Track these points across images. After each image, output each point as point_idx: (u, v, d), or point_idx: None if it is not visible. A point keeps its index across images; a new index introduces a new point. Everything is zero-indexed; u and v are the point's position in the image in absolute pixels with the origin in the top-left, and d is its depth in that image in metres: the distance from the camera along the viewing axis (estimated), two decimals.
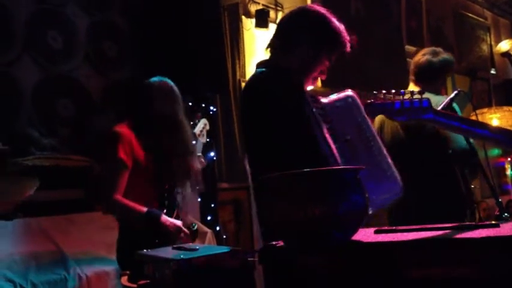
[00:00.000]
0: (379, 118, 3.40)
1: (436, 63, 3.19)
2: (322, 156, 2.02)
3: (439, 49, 3.31)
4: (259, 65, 2.30)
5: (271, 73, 2.19)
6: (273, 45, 2.29)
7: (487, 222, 1.48)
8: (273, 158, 2.01)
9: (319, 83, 5.03)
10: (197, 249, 1.93)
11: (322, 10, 2.26)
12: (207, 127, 3.22)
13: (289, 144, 2.01)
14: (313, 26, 2.23)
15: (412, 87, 3.25)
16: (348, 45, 2.27)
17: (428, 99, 1.66)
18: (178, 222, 2.67)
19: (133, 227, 2.62)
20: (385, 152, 2.20)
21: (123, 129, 2.66)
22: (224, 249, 2.04)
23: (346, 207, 1.36)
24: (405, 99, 1.66)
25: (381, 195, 2.09)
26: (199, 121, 3.17)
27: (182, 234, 2.66)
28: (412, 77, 3.31)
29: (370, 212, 1.96)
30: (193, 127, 3.10)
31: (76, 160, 3.61)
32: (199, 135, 3.07)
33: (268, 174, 1.46)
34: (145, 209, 2.57)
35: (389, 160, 2.20)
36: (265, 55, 2.36)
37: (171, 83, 2.80)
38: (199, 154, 2.99)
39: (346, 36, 2.26)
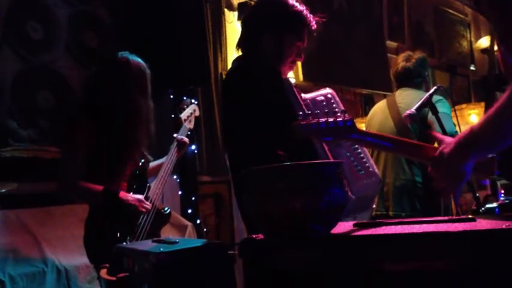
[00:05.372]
0: (372, 113, 3.57)
1: (411, 67, 3.46)
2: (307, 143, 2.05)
3: (411, 53, 3.57)
4: (235, 61, 2.32)
5: (248, 64, 2.21)
6: (241, 43, 2.32)
7: (464, 217, 1.51)
8: (256, 147, 2.03)
9: (301, 77, 5.05)
10: (177, 242, 1.93)
11: None
12: (196, 113, 3.18)
13: (272, 131, 2.02)
14: (271, 13, 2.27)
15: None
16: (313, 23, 2.28)
17: (351, 119, 1.71)
18: (139, 196, 2.62)
19: (97, 220, 2.60)
20: (357, 148, 2.26)
21: (82, 113, 2.64)
22: (204, 242, 2.04)
23: (326, 201, 1.37)
24: (330, 120, 1.70)
25: (362, 184, 2.16)
26: (187, 107, 3.14)
27: (144, 209, 2.59)
28: (395, 84, 3.55)
29: (353, 197, 2.04)
30: (181, 112, 3.08)
31: (54, 152, 3.58)
32: (185, 120, 3.05)
33: (251, 164, 1.46)
34: (101, 188, 2.53)
35: (367, 152, 2.29)
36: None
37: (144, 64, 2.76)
38: (184, 138, 2.97)
39: (309, 15, 2.28)
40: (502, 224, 1.28)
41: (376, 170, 2.29)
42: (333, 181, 1.41)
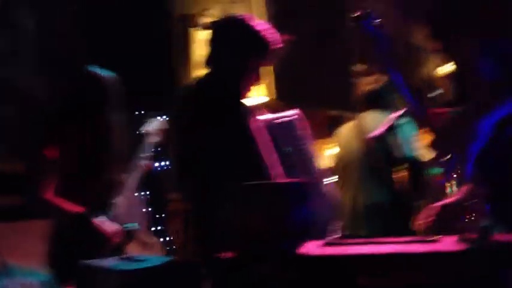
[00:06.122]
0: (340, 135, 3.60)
1: (378, 89, 3.49)
2: (257, 165, 2.04)
3: (378, 75, 3.58)
4: (206, 75, 2.32)
5: (206, 85, 2.22)
6: (207, 62, 2.31)
7: (427, 238, 1.54)
8: (211, 169, 2.01)
9: (272, 96, 5.07)
10: (144, 260, 1.91)
11: (240, 16, 2.27)
12: (164, 127, 3.09)
13: (224, 155, 2.01)
14: (232, 34, 2.25)
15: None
16: (276, 43, 2.25)
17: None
18: (114, 227, 2.60)
19: (62, 235, 2.56)
20: (318, 170, 2.27)
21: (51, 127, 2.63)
22: (172, 260, 2.02)
23: (296, 220, 1.38)
24: None
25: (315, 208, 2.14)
26: (151, 122, 3.09)
27: (114, 241, 2.58)
28: (362, 106, 3.58)
29: None
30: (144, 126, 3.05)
31: (20, 166, 3.52)
32: (148, 135, 3.00)
33: (204, 185, 1.46)
34: (77, 210, 2.51)
35: (323, 178, 2.28)
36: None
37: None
38: (145, 154, 2.93)
39: (271, 35, 2.23)
40: (461, 246, 1.33)
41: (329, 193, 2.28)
42: (300, 200, 1.43)
